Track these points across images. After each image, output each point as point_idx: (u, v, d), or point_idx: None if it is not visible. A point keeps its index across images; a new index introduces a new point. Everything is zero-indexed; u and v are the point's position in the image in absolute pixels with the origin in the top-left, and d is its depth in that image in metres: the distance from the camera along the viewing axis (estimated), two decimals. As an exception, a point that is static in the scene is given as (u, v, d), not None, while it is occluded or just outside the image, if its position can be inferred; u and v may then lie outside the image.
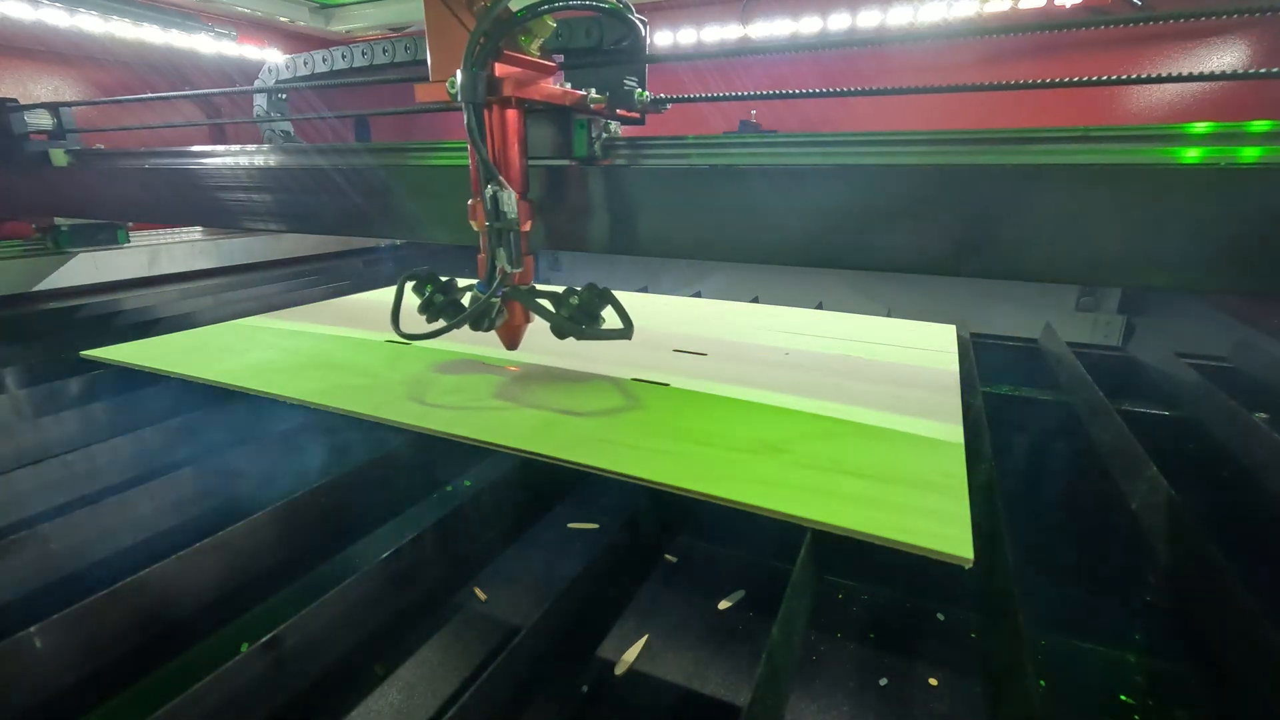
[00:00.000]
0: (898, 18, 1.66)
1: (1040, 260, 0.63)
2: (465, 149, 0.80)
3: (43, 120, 1.36)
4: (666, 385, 0.85)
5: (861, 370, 0.92)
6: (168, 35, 1.85)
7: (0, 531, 0.60)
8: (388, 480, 0.72)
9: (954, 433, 0.71)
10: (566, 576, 0.55)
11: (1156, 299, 1.52)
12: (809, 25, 1.75)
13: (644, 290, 1.62)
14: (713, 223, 0.76)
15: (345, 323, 1.19)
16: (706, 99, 0.94)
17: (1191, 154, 0.59)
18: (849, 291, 1.78)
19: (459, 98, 0.68)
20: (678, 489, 0.59)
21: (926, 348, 1.04)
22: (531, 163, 0.80)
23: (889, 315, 1.27)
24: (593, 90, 0.79)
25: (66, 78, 1.84)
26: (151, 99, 1.79)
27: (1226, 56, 1.49)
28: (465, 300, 0.81)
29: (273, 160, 1.07)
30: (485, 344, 1.01)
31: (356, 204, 0.97)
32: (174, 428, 0.80)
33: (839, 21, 1.72)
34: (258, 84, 1.63)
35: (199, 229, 1.97)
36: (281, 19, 2.18)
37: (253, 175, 1.06)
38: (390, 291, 0.84)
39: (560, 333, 0.79)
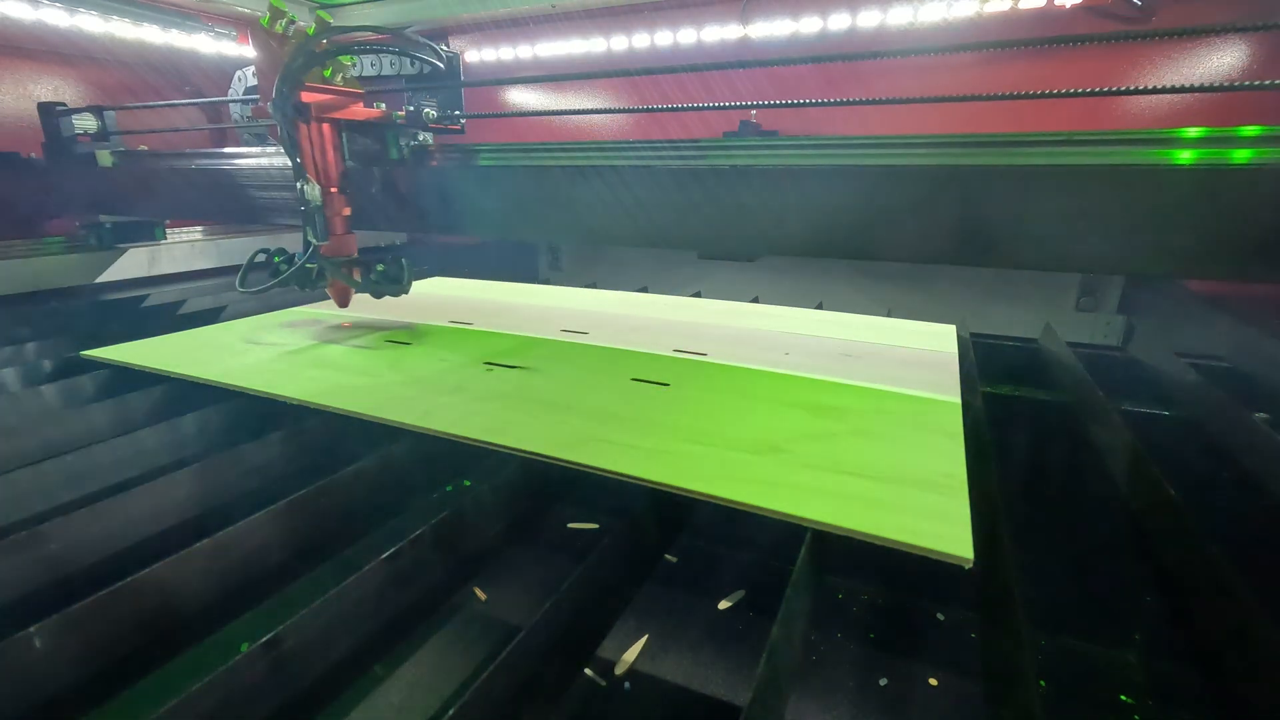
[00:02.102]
0: (898, 17, 1.66)
1: (1034, 250, 0.67)
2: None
3: (88, 123, 1.44)
4: (666, 385, 0.85)
5: (861, 370, 0.92)
6: (168, 35, 1.85)
7: (0, 531, 0.60)
8: (388, 480, 0.72)
9: (954, 432, 0.71)
10: (566, 576, 0.55)
11: (1157, 299, 1.52)
12: (809, 25, 1.75)
13: (644, 290, 1.62)
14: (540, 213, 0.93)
15: (345, 322, 1.19)
16: (527, 114, 1.12)
17: (1184, 155, 0.60)
18: (849, 291, 1.78)
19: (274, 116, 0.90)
20: (678, 489, 0.59)
21: (926, 347, 1.04)
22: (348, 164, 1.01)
23: (889, 315, 1.27)
24: (400, 110, 1.02)
25: (66, 78, 1.84)
26: (189, 104, 1.86)
27: (1227, 57, 1.49)
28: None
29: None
30: (491, 329, 1.01)
31: (381, 201, 1.06)
32: (174, 428, 0.80)
33: (839, 21, 1.71)
34: (232, 86, 1.67)
35: (199, 228, 1.98)
36: (282, 19, 2.18)
37: (286, 174, 1.10)
38: (385, 293, 1.05)
39: (374, 293, 1.05)
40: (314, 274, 1.01)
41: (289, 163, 1.11)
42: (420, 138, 1.05)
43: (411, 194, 1.02)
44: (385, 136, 1.03)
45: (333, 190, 0.98)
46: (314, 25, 0.90)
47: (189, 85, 2.11)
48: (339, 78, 0.97)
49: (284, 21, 0.91)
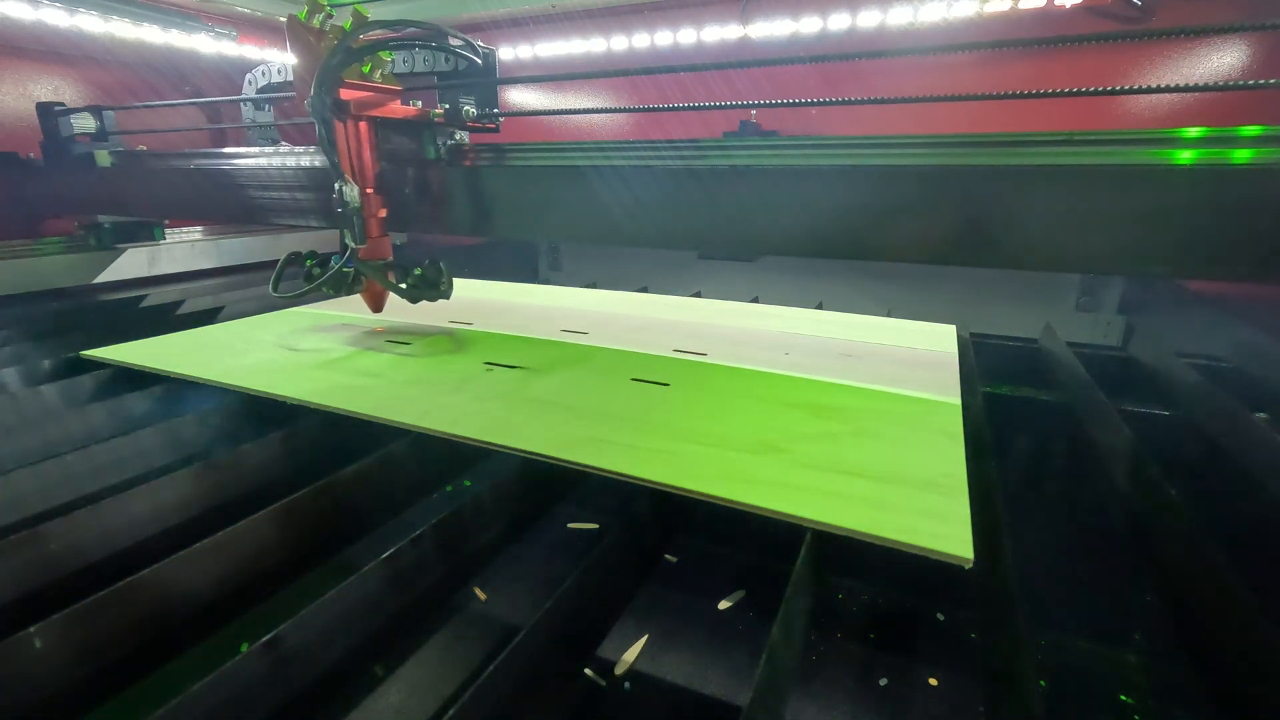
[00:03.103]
0: (898, 17, 1.66)
1: (1034, 250, 0.67)
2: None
3: (86, 123, 1.44)
4: (666, 385, 0.85)
5: (861, 370, 0.92)
6: (168, 35, 1.85)
7: (0, 531, 0.60)
8: (388, 480, 0.72)
9: (954, 432, 0.71)
10: (566, 576, 0.55)
11: (1157, 299, 1.52)
12: (809, 25, 1.75)
13: (644, 290, 1.62)
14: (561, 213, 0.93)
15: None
16: (550, 112, 1.16)
17: (1184, 155, 0.61)
18: (849, 291, 1.78)
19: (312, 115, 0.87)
20: (678, 489, 0.59)
21: (926, 348, 1.04)
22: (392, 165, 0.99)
23: (889, 315, 1.27)
24: (436, 108, 0.98)
25: (66, 78, 1.84)
26: (189, 104, 1.85)
27: (1227, 57, 1.49)
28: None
29: (304, 160, 1.11)
30: (491, 329, 1.01)
31: (413, 202, 1.04)
32: (174, 428, 0.80)
33: (839, 21, 1.72)
34: (246, 85, 1.67)
35: (199, 228, 1.99)
36: (281, 19, 2.18)
37: (285, 175, 1.11)
38: (423, 298, 1.01)
39: (411, 298, 0.99)
40: (350, 278, 0.98)
41: (288, 163, 1.11)
42: (457, 136, 1.02)
43: (444, 194, 0.99)
44: (422, 135, 1.00)
45: (369, 191, 0.95)
46: (350, 20, 0.87)
47: (189, 85, 2.11)
48: (378, 74, 0.94)
49: (321, 16, 0.88)
